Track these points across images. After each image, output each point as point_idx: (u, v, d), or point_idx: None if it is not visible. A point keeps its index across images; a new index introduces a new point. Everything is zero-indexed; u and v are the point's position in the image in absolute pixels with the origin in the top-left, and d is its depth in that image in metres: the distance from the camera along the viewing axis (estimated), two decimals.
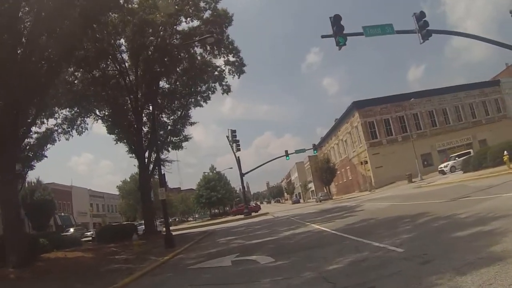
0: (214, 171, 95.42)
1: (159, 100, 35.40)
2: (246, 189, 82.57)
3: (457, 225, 10.28)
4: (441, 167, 49.30)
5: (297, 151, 62.58)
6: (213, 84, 36.96)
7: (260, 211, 73.82)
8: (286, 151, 60.94)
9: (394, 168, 60.30)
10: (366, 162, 64.13)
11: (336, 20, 21.91)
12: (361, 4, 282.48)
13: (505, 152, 27.07)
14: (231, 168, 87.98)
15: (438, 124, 70.47)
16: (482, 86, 76.01)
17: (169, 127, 37.63)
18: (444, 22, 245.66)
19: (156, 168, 32.90)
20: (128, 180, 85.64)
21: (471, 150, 50.94)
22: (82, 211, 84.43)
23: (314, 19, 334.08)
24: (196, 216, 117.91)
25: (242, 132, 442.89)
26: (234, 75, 36.03)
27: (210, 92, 37.43)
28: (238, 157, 57.86)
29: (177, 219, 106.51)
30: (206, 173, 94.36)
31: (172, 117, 37.70)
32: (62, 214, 71.41)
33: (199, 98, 37.60)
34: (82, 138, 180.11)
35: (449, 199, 17.79)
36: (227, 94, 37.06)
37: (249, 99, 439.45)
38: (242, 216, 58.16)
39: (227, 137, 57.39)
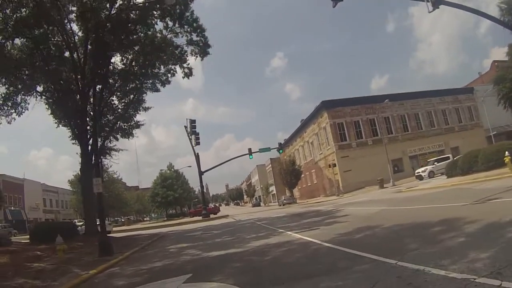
0: (172, 169, 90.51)
1: (110, 80, 30.81)
2: (205, 190, 78.05)
3: None
4: (419, 172, 46.72)
5: (261, 150, 57.33)
6: (173, 66, 32.69)
7: (219, 213, 68.89)
8: (250, 149, 55.54)
9: (363, 173, 57.57)
10: (335, 165, 60.27)
11: None
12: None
13: (507, 153, 23.88)
14: (190, 166, 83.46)
15: (410, 129, 67.86)
16: (456, 92, 74.46)
17: (119, 111, 32.88)
18: (411, 34, 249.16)
19: (101, 157, 28.83)
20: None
21: (449, 155, 48.11)
22: (35, 206, 79.90)
23: (282, 21, 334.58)
24: (153, 215, 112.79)
25: (203, 134, 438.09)
26: (197, 56, 32.11)
27: (169, 75, 33.26)
28: (197, 153, 53.07)
29: (131, 218, 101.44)
30: (163, 171, 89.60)
31: (123, 100, 33.01)
32: (12, 208, 67.31)
33: (156, 81, 33.16)
34: (42, 133, 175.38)
35: (471, 202, 14.22)
36: (188, 78, 32.82)
37: (211, 101, 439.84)
38: (200, 218, 53.53)
39: (185, 127, 52.64)
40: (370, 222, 14.50)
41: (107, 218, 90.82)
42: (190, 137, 51.56)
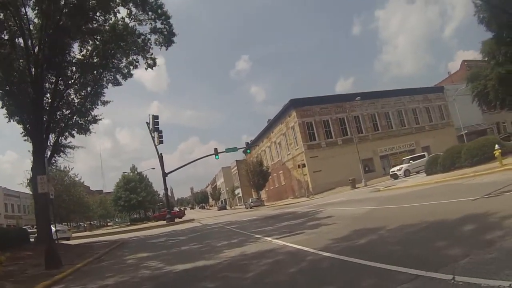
0: (135, 172, 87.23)
1: (67, 72, 28.45)
2: (170, 194, 74.49)
3: None
4: (394, 171, 45.53)
5: (227, 150, 54.00)
6: (135, 57, 30.46)
7: (184, 217, 66.97)
8: (216, 149, 52.46)
9: (333, 173, 56.50)
10: (304, 166, 58.22)
11: None
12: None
13: (497, 146, 22.78)
14: (154, 168, 79.47)
15: (381, 128, 67.19)
16: (426, 91, 74.23)
17: (76, 105, 30.03)
18: (376, 37, 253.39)
19: (55, 155, 26.89)
20: None
21: (425, 153, 47.03)
22: None
23: (247, 23, 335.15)
24: (118, 220, 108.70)
25: (168, 137, 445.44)
26: (161, 46, 30.07)
27: (132, 67, 30.93)
28: (161, 154, 50.10)
29: (94, 223, 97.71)
30: (126, 173, 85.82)
31: (81, 93, 30.20)
32: None
33: (118, 75, 30.78)
34: (6, 137, 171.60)
35: (481, 196, 12.42)
36: (152, 68, 31.11)
37: (176, 103, 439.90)
38: (164, 222, 50.66)
39: (147, 124, 49.59)
40: (365, 224, 12.32)
41: (67, 224, 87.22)
42: (153, 134, 48.51)
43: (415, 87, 74.43)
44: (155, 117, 48.15)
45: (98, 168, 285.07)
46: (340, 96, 67.88)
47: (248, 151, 62.00)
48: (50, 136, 26.73)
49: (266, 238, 14.07)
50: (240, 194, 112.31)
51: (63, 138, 29.03)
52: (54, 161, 27.41)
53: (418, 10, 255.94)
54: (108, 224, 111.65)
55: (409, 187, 27.15)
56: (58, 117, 28.46)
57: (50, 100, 26.08)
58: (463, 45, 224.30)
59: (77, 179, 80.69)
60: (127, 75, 30.91)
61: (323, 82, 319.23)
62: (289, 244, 11.13)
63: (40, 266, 14.24)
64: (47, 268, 13.55)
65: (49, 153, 26.44)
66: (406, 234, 9.16)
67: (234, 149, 55.29)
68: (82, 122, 30.45)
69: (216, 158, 52.82)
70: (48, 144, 26.59)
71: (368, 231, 10.63)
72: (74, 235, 45.25)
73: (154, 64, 30.65)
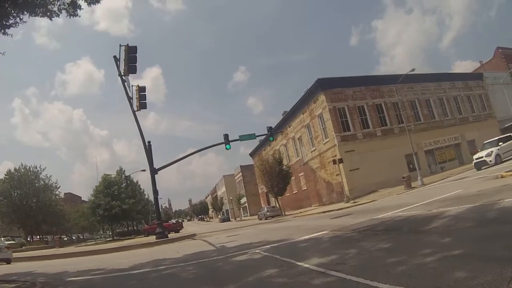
0: (122, 175, 71.19)
1: None
2: (167, 206, 58.56)
3: None
4: (480, 157, 34.86)
5: (242, 137, 37.31)
6: None
7: (182, 231, 53.22)
8: (226, 136, 36.73)
9: (374, 172, 46.07)
10: (341, 161, 44.05)
11: None
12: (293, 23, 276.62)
13: None
14: (144, 170, 60.71)
15: (423, 118, 56.78)
16: (465, 78, 66.52)
17: None
18: (373, 47, 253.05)
19: None
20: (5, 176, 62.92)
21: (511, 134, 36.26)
22: None
23: (245, 35, 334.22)
24: (109, 233, 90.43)
25: (165, 148, 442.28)
26: None
27: None
28: (149, 142, 33.79)
29: (73, 237, 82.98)
30: (109, 175, 67.76)
31: None
32: None
33: None
34: None
35: None
36: None
37: (173, 115, 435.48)
38: (154, 237, 33.57)
39: (116, 58, 30.39)
40: None
41: (40, 237, 72.30)
42: (128, 85, 31.15)
43: (453, 72, 71.45)
44: (132, 50, 29.23)
45: (94, 179, 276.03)
46: (375, 78, 57.20)
47: (271, 139, 46.14)
48: None
49: None
50: (246, 204, 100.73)
51: None
52: None
53: (416, 20, 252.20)
54: (95, 238, 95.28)
55: None
56: None
57: None
58: (460, 56, 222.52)
59: (49, 181, 66.33)
60: None
61: None
62: None
63: None
64: None
65: None
66: None
67: (252, 136, 39.36)
68: None
69: (227, 148, 37.23)
70: None
71: None
72: (22, 255, 32.55)
73: None
